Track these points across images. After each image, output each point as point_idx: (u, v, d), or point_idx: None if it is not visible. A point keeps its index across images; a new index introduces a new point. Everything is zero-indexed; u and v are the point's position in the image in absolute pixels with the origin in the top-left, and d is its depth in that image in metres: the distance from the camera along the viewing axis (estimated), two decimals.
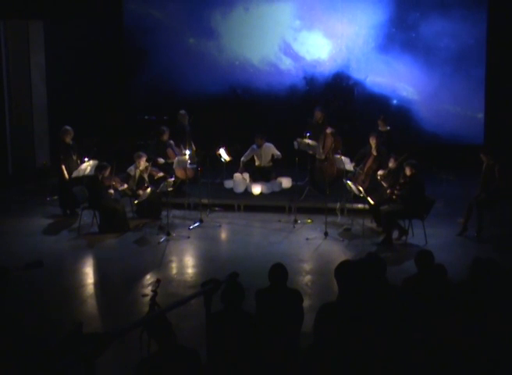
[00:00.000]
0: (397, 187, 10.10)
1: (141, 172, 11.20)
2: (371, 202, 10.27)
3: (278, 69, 15.12)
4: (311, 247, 9.87)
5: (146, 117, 15.58)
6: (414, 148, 11.36)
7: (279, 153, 12.39)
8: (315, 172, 12.28)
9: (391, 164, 10.46)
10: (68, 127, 11.63)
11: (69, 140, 11.59)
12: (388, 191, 10.20)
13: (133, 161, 11.32)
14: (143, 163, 11.21)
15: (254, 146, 12.49)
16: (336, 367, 4.35)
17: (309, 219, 11.07)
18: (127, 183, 11.16)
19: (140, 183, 11.17)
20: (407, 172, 9.88)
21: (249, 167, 12.59)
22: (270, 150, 12.46)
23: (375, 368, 4.43)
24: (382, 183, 10.41)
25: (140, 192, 10.94)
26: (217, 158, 12.17)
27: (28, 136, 14.39)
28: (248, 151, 12.54)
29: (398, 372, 4.48)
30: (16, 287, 6.11)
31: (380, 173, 10.65)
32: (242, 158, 12.50)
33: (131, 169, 11.29)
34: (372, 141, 11.08)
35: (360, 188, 10.18)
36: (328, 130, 11.94)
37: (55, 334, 5.59)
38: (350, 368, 4.34)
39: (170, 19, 15.31)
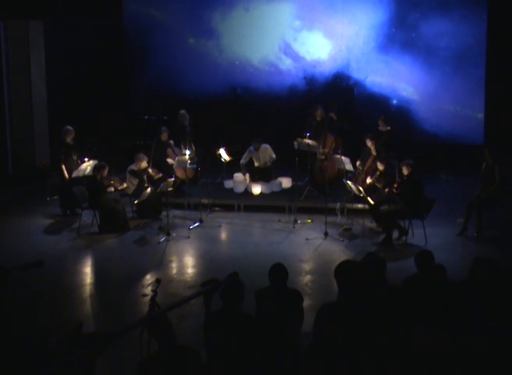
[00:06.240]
0: (395, 186, 10.13)
1: (142, 171, 11.23)
2: (371, 202, 10.28)
3: (278, 69, 15.12)
4: (311, 247, 9.87)
5: (146, 117, 15.58)
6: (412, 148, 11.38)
7: (274, 156, 12.40)
8: (315, 172, 12.29)
9: (379, 167, 10.50)
10: (69, 127, 11.64)
11: (69, 140, 11.60)
12: (386, 190, 10.23)
13: (133, 161, 11.34)
14: (143, 164, 11.24)
15: (252, 148, 12.49)
16: (336, 367, 4.35)
17: (309, 219, 11.07)
18: (126, 183, 11.20)
19: (140, 183, 11.19)
20: (404, 171, 9.93)
21: (249, 168, 12.60)
22: (267, 151, 12.45)
23: (375, 368, 4.43)
24: (376, 184, 10.47)
25: (146, 185, 10.99)
26: (217, 158, 12.18)
27: (28, 136, 14.39)
28: (246, 154, 12.54)
29: (398, 372, 4.48)
30: (16, 287, 6.11)
31: (369, 181, 10.71)
32: (241, 161, 12.49)
33: (133, 168, 11.28)
34: (369, 143, 11.12)
35: (360, 188, 10.20)
36: (332, 115, 11.99)
37: (55, 334, 5.59)
38: (349, 368, 4.34)
39: (170, 19, 15.30)
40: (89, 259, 9.68)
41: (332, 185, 11.46)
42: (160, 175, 11.51)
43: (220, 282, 4.12)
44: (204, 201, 11.55)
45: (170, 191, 10.68)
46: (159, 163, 11.92)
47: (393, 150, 11.52)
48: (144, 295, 7.94)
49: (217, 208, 11.80)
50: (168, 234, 10.23)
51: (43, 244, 10.13)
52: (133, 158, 11.38)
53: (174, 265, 9.38)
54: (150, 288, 7.49)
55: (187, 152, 11.94)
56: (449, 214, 10.95)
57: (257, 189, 12.26)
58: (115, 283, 8.79)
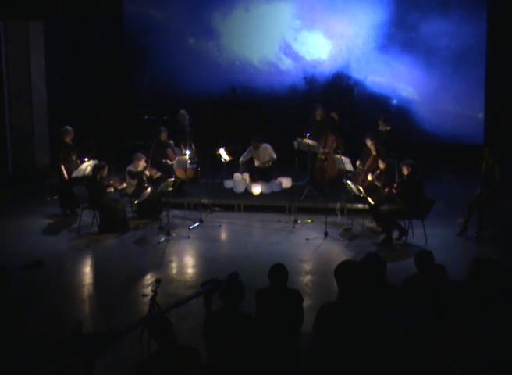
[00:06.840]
0: (395, 186, 10.13)
1: (140, 172, 11.23)
2: (371, 202, 10.28)
3: (278, 69, 15.12)
4: (311, 247, 9.86)
5: (146, 117, 15.58)
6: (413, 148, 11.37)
7: (274, 156, 12.39)
8: (315, 172, 12.29)
9: (381, 165, 10.51)
10: (68, 127, 11.64)
11: (69, 140, 11.60)
12: (386, 190, 10.23)
13: (132, 161, 11.35)
14: (142, 164, 11.23)
15: (251, 148, 12.49)
16: (336, 367, 4.35)
17: (309, 219, 11.07)
18: (125, 182, 11.20)
19: (139, 183, 11.19)
20: (404, 171, 9.93)
21: (249, 167, 12.59)
22: (267, 151, 12.44)
23: (375, 368, 4.43)
24: (376, 183, 10.48)
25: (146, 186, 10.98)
26: (217, 158, 12.18)
27: (28, 136, 14.39)
28: (246, 152, 12.54)
29: (398, 372, 4.48)
30: (16, 287, 6.10)
31: (370, 178, 10.71)
32: (241, 159, 12.50)
33: (130, 168, 11.29)
34: (369, 143, 11.12)
35: (360, 188, 10.20)
36: (334, 115, 11.99)
37: (55, 334, 5.59)
38: (349, 368, 4.34)
39: (170, 19, 15.30)
40: (89, 259, 9.68)
41: (332, 185, 11.46)
42: (159, 174, 11.50)
43: (220, 282, 4.11)
44: (204, 201, 11.55)
45: (170, 191, 10.68)
46: (158, 163, 11.92)
47: (393, 150, 11.51)
48: (144, 295, 7.93)
49: (217, 208, 11.79)
50: (168, 234, 10.23)
51: (43, 244, 10.12)
52: (132, 158, 11.38)
53: (174, 265, 9.38)
54: (150, 288, 7.48)
55: (187, 152, 11.94)
56: (449, 214, 10.95)
57: (257, 189, 12.26)
58: (115, 283, 8.78)
